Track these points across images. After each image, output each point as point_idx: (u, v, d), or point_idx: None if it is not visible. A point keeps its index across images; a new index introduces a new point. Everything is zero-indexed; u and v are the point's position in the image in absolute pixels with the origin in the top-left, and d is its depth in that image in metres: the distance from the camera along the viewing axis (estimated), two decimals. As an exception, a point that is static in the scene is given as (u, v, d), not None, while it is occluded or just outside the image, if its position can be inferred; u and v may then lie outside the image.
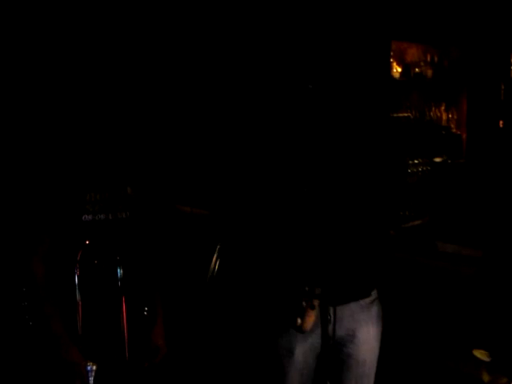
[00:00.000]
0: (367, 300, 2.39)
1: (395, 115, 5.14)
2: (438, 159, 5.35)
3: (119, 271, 2.32)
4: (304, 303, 2.20)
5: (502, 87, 5.43)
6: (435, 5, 5.01)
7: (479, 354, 2.54)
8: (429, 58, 5.41)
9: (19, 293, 2.94)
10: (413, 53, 5.41)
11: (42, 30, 3.48)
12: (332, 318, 2.12)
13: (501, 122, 5.38)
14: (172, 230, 3.40)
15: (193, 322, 3.50)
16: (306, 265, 2.22)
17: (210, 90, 4.20)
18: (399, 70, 5.22)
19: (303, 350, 2.33)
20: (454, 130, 5.52)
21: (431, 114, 5.48)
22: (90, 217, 2.38)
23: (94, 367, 2.30)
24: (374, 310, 2.40)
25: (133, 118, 2.55)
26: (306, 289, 2.18)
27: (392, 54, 5.02)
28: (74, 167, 2.39)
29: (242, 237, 2.40)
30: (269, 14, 4.20)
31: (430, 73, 5.38)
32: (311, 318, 2.22)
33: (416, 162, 4.92)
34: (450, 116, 5.49)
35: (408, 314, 2.82)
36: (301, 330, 2.23)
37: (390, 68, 5.02)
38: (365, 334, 2.37)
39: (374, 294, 2.42)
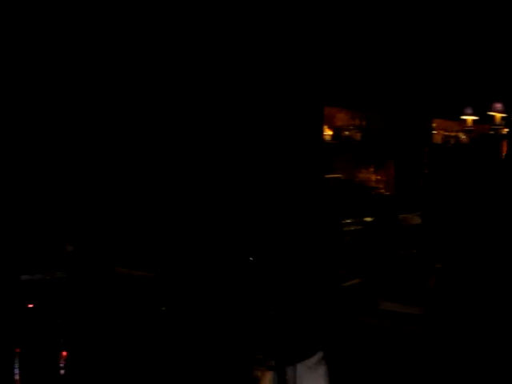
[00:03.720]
0: (313, 360, 2.40)
1: (326, 176, 5.29)
2: (368, 219, 5.48)
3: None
4: (258, 372, 2.20)
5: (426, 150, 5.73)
6: (362, 73, 5.29)
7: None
8: (357, 123, 5.64)
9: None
10: (342, 117, 5.62)
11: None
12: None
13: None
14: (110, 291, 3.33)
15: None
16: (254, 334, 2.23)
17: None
18: (330, 133, 5.41)
19: None
20: (382, 191, 5.72)
21: (360, 175, 5.67)
22: (27, 276, 2.32)
23: None
24: (321, 370, 2.42)
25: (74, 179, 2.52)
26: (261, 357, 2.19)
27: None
28: (11, 226, 2.34)
29: (192, 301, 2.39)
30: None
31: (358, 136, 5.60)
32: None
33: (348, 221, 5.02)
34: (379, 177, 5.71)
35: (354, 373, 2.83)
36: None
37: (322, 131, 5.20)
38: None
39: (320, 354, 2.44)
